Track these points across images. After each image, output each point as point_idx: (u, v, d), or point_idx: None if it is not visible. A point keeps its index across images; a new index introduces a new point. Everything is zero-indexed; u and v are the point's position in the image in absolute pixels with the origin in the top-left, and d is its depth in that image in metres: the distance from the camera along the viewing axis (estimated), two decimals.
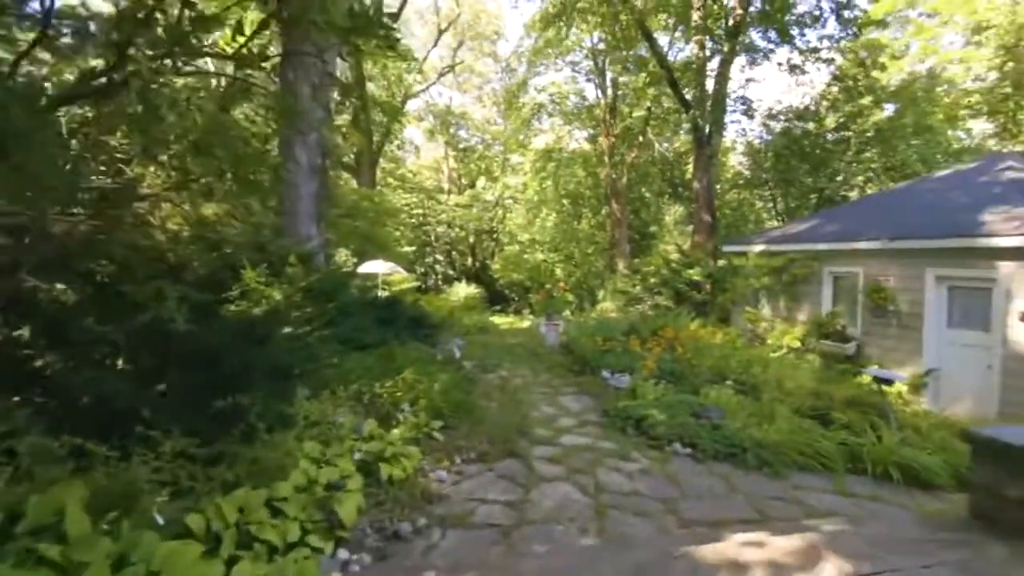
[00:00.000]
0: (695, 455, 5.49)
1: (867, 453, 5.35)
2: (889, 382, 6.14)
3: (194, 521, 2.98)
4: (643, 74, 19.84)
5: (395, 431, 5.18)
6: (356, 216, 11.58)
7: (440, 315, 12.44)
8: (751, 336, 12.09)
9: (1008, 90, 19.80)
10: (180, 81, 4.19)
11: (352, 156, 23.03)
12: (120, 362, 3.98)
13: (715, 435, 5.69)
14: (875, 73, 16.39)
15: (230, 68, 4.55)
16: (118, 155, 4.49)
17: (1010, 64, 19.36)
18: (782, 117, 18.07)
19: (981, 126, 22.62)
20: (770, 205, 23.23)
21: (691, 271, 15.85)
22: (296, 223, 9.21)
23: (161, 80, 3.86)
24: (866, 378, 9.23)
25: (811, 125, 17.12)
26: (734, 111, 17.23)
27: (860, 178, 16.90)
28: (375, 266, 18.62)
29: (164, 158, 4.29)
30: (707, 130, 18.29)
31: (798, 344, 10.75)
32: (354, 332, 8.90)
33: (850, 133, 16.75)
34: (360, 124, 21.80)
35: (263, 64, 4.44)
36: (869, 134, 16.23)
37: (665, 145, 29.84)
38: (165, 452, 3.27)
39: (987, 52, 19.59)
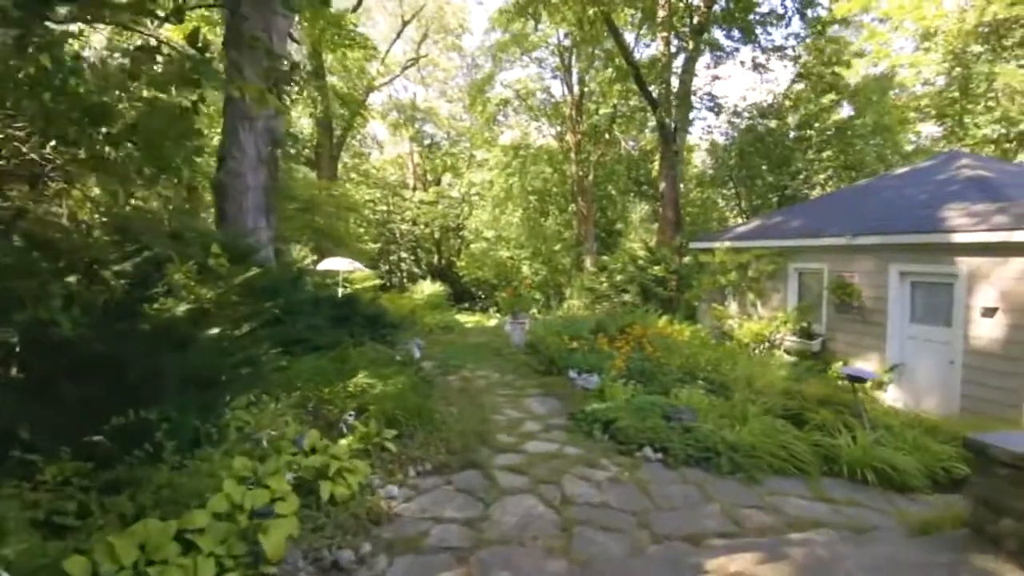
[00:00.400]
0: (666, 460, 5.16)
1: (843, 455, 5.12)
2: (862, 380, 5.96)
3: (75, 566, 2.44)
4: (609, 69, 19.57)
5: (342, 442, 4.68)
6: (313, 210, 10.89)
7: (400, 314, 11.89)
8: (718, 333, 11.96)
9: (955, 94, 20.43)
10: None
11: (311, 148, 22.14)
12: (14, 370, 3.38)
13: (687, 438, 5.38)
14: (839, 69, 16.58)
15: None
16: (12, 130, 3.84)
17: (957, 69, 19.97)
18: (747, 114, 18.16)
19: (929, 129, 23.36)
20: (733, 204, 23.41)
21: (657, 268, 15.71)
22: (242, 215, 8.53)
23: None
24: (834, 374, 9.18)
25: (774, 123, 17.22)
26: (700, 108, 17.22)
27: (821, 176, 17.10)
28: (336, 263, 17.86)
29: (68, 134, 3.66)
30: (673, 127, 18.22)
31: (765, 341, 10.64)
32: (307, 332, 8.32)
33: (812, 132, 16.93)
34: (319, 116, 20.94)
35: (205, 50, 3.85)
36: (829, 132, 16.42)
37: (632, 144, 29.90)
38: (46, 480, 2.71)
39: (936, 57, 20.15)
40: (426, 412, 5.55)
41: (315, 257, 18.59)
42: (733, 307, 12.11)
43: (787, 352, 10.39)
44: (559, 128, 26.81)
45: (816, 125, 16.68)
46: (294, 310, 7.33)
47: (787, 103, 16.87)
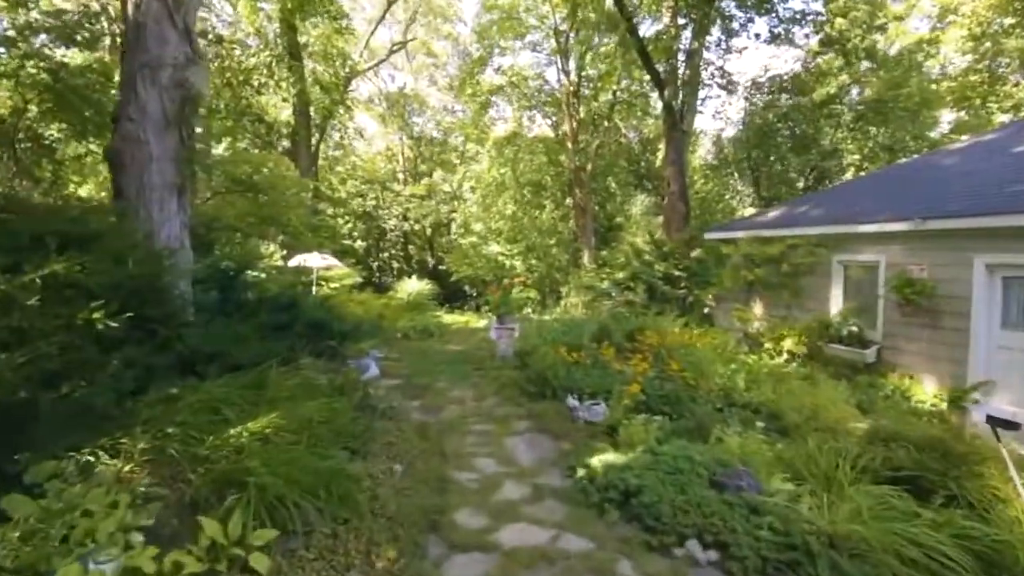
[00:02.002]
0: (727, 567, 3.10)
1: (1020, 556, 3.07)
2: (1015, 426, 3.87)
3: None
4: (609, 40, 17.34)
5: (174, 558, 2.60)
6: (259, 191, 8.78)
7: (366, 317, 9.81)
8: (742, 339, 9.90)
9: (979, 76, 18.35)
10: None
11: (287, 136, 19.99)
12: None
13: (756, 526, 3.31)
14: (875, 36, 14.50)
15: None
16: None
17: (986, 44, 17.88)
18: (767, 88, 16.01)
19: (945, 117, 21.29)
20: (746, 194, 21.31)
21: (665, 264, 13.63)
22: (144, 194, 6.42)
23: None
24: (898, 390, 7.12)
25: (800, 99, 15.04)
26: (711, 86, 15.15)
27: (855, 156, 15.00)
28: (309, 260, 15.80)
29: None
30: (680, 108, 16.13)
31: (802, 349, 8.57)
32: (222, 345, 6.23)
33: (842, 106, 14.78)
34: (294, 100, 18.78)
35: None
36: (861, 107, 14.29)
37: (632, 135, 27.80)
38: None
39: (959, 33, 18.04)
40: (341, 484, 3.45)
41: (284, 252, 16.55)
42: (759, 308, 10.04)
43: (829, 363, 8.33)
44: (554, 117, 24.70)
45: (847, 99, 14.56)
46: (173, 319, 5.21)
47: (812, 75, 14.75)
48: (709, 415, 5.24)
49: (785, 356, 8.76)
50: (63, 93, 7.75)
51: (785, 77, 15.46)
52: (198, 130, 7.93)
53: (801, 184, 16.43)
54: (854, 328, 8.21)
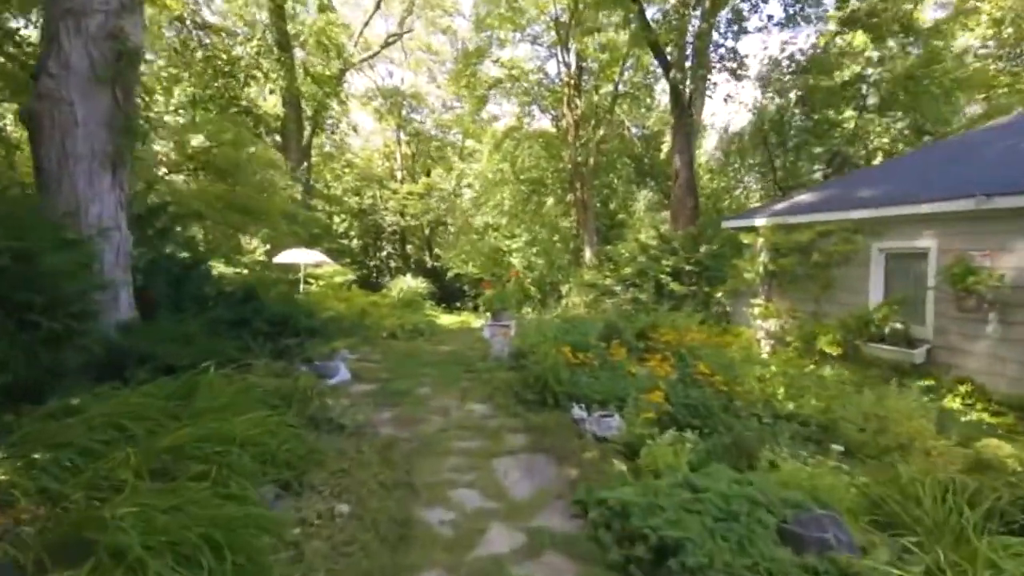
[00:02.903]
0: None
1: None
2: None
3: None
4: (615, 22, 16.14)
5: None
6: (218, 169, 7.54)
7: (347, 315, 8.69)
8: (764, 337, 8.78)
9: (996, 65, 17.16)
10: None
11: (276, 130, 18.92)
12: None
13: None
14: (907, 6, 13.27)
15: None
16: None
17: (1008, 31, 16.73)
18: (785, 68, 14.74)
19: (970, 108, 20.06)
20: (751, 189, 20.17)
21: (675, 258, 12.50)
22: (68, 165, 5.33)
23: None
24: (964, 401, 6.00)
25: (821, 80, 13.78)
26: (720, 70, 14.02)
27: (884, 139, 13.81)
28: (295, 255, 14.69)
29: None
30: (688, 94, 15.03)
31: (837, 350, 7.44)
32: (159, 345, 5.16)
33: (869, 85, 13.49)
34: (282, 91, 17.72)
35: None
36: (887, 84, 13.02)
37: (635, 130, 26.67)
38: None
39: (983, 14, 16.85)
40: (248, 540, 2.32)
41: (267, 247, 15.47)
42: (784, 303, 8.90)
43: (868, 364, 7.21)
44: (554, 111, 23.60)
45: (874, 78, 13.35)
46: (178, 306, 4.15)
47: (834, 55, 13.56)
48: (751, 430, 4.11)
49: (816, 357, 7.64)
50: None
51: (804, 53, 14.17)
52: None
53: (819, 174, 15.24)
54: (898, 325, 7.07)
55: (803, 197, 9.78)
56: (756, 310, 8.77)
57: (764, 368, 5.76)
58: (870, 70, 13.27)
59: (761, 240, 8.98)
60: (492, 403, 5.47)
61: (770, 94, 15.14)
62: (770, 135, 15.66)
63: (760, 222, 9.12)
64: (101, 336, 5.14)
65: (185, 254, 7.09)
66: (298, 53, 19.04)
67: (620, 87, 22.27)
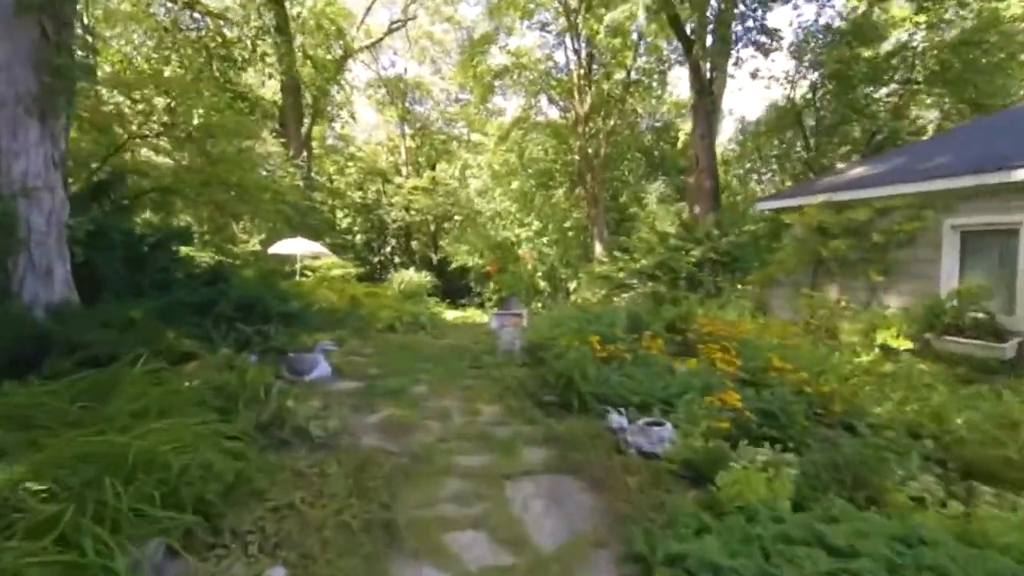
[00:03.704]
0: None
1: None
2: None
3: None
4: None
5: None
6: (187, 134, 6.33)
7: (338, 305, 7.62)
8: (809, 330, 7.64)
9: None
10: None
11: (275, 117, 17.92)
12: None
13: None
14: None
15: None
16: None
17: None
18: (821, 35, 13.46)
19: None
20: (769, 178, 18.96)
21: (700, 247, 11.37)
22: None
23: None
24: None
25: (862, 51, 12.49)
26: (745, 44, 12.88)
27: (934, 114, 12.57)
28: (292, 246, 13.69)
29: None
30: (709, 74, 13.90)
31: (904, 343, 6.30)
32: (96, 331, 4.13)
33: (914, 55, 12.24)
34: (281, 77, 16.70)
35: None
36: (933, 58, 11.79)
37: (646, 122, 25.50)
38: None
39: None
40: None
41: (261, 236, 14.46)
42: (832, 291, 7.77)
43: (939, 359, 6.07)
44: (563, 101, 22.48)
45: (922, 47, 12.08)
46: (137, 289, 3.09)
47: (876, 23, 12.33)
48: (849, 445, 3.00)
49: (876, 352, 6.50)
50: None
51: (844, 18, 12.84)
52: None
53: (856, 157, 13.97)
54: (981, 315, 5.93)
55: (857, 170, 8.63)
56: (801, 300, 7.63)
57: (838, 363, 4.64)
58: (918, 38, 12.01)
59: (806, 221, 7.84)
60: (503, 405, 4.38)
61: (805, 66, 13.87)
62: (805, 112, 14.40)
63: (804, 201, 7.98)
64: (18, 317, 4.11)
65: (143, 230, 6.04)
66: (298, 39, 18.06)
67: (632, 74, 21.18)
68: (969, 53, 11.37)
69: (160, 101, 6.18)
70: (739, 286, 10.68)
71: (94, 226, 5.04)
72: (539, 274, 16.24)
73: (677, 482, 2.92)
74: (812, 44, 12.67)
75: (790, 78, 14.61)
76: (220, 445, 2.52)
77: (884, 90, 13.03)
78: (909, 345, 6.27)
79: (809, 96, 14.29)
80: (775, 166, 22.23)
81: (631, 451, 3.28)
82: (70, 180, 6.53)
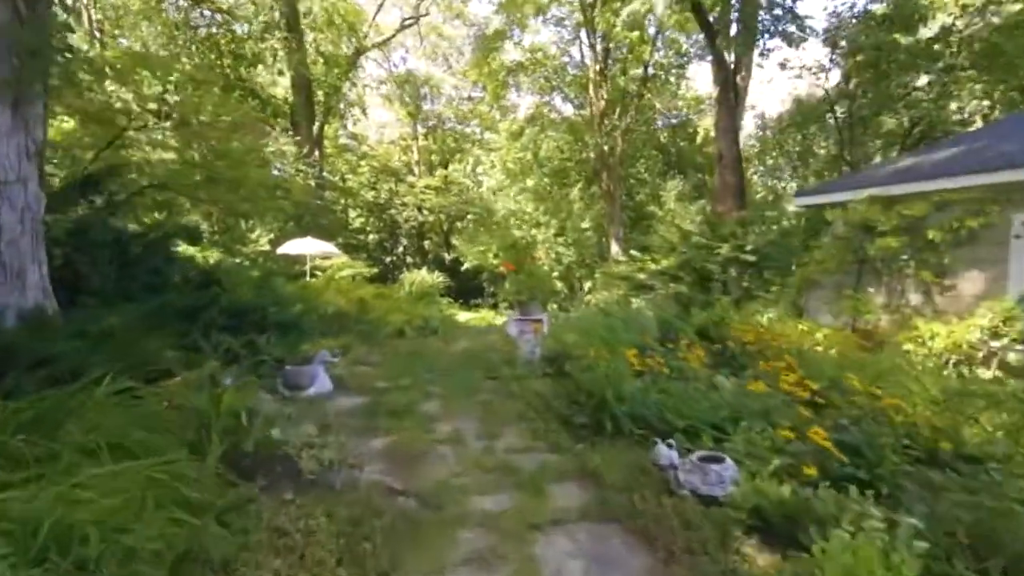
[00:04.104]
0: None
1: None
2: None
3: None
4: None
5: None
6: (175, 123, 5.73)
7: (344, 307, 7.11)
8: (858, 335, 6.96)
9: None
10: None
11: (286, 115, 17.54)
12: None
13: None
14: None
15: None
16: None
17: None
18: (856, 22, 12.58)
19: None
20: (792, 175, 18.15)
21: (726, 246, 10.69)
22: None
23: None
24: None
25: (900, 37, 11.66)
26: (771, 35, 12.16)
27: (978, 102, 11.70)
28: (301, 246, 13.27)
29: None
30: (733, 65, 13.20)
31: (969, 351, 5.62)
32: (70, 342, 3.66)
33: (959, 40, 11.38)
34: (291, 72, 16.30)
35: None
36: (979, 43, 10.93)
37: (662, 121, 24.73)
38: None
39: None
40: None
41: (270, 236, 14.06)
42: (879, 294, 7.09)
43: (1004, 371, 5.38)
44: (579, 98, 21.83)
45: (968, 30, 11.22)
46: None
47: (920, 4, 11.46)
48: (979, 497, 2.38)
49: (940, 359, 5.82)
50: None
51: (884, 3, 11.97)
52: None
53: (892, 146, 13.17)
54: None
55: (907, 162, 7.92)
56: (850, 302, 6.95)
57: (921, 378, 4.00)
58: (960, 23, 11.16)
59: (849, 217, 7.16)
60: (525, 427, 3.81)
61: (839, 54, 13.01)
62: (839, 103, 13.55)
63: (847, 196, 7.30)
64: None
65: (138, 229, 5.57)
66: (309, 36, 17.65)
67: (649, 69, 20.47)
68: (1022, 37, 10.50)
69: (157, 88, 5.70)
70: (772, 288, 10.00)
71: (75, 224, 4.55)
72: (555, 274, 15.65)
73: (750, 535, 2.33)
74: (847, 30, 11.84)
75: (823, 67, 13.77)
76: (178, 496, 1.99)
77: (924, 78, 12.18)
78: (979, 353, 5.59)
79: (843, 86, 13.46)
80: (797, 162, 21.42)
81: (684, 491, 2.70)
82: (60, 174, 6.10)
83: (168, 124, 5.62)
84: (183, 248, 11.02)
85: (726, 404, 3.64)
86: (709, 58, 20.85)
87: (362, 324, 6.97)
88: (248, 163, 6.48)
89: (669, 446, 2.85)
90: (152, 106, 5.54)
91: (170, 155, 6.61)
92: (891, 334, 6.51)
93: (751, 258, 10.54)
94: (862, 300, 6.95)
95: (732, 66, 13.17)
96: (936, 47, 11.50)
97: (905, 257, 6.59)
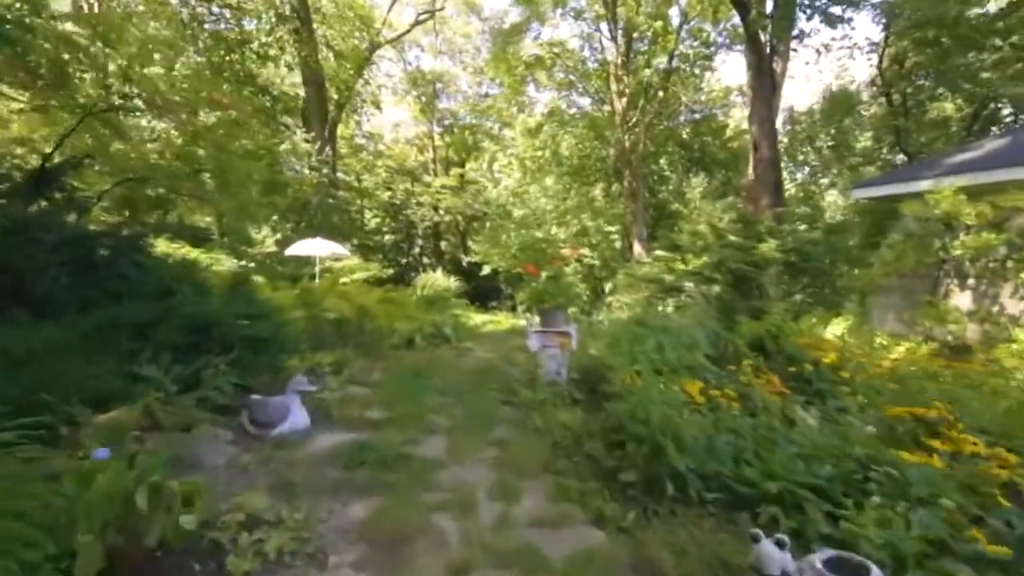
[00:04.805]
0: None
1: None
2: None
3: None
4: None
5: None
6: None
7: (345, 315, 6.23)
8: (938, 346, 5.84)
9: None
10: None
11: (297, 110, 16.84)
12: None
13: None
14: None
15: None
16: None
17: None
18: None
19: None
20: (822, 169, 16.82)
21: (765, 245, 9.56)
22: None
23: None
24: None
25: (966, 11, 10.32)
26: (811, 14, 11.01)
27: None
28: (309, 247, 12.48)
29: None
30: (769, 46, 12.05)
31: None
32: None
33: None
34: (300, 65, 15.57)
35: None
36: None
37: (684, 116, 23.46)
38: None
39: None
40: None
41: (277, 237, 13.34)
42: (962, 300, 5.96)
43: None
44: (600, 93, 20.74)
45: None
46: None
47: None
48: None
49: None
50: None
51: None
52: None
53: (951, 138, 11.83)
54: None
55: (996, 144, 6.76)
56: (931, 310, 5.84)
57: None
58: None
59: (924, 211, 6.04)
60: (553, 483, 2.86)
61: (894, 33, 11.60)
62: (896, 85, 12.21)
63: (922, 186, 6.17)
64: None
65: (92, 226, 4.76)
66: (320, 30, 16.93)
67: (674, 61, 19.30)
68: None
69: (122, 63, 4.85)
70: (820, 290, 8.91)
71: (12, 222, 3.73)
72: (578, 277, 14.65)
73: None
74: (904, 5, 10.54)
75: (874, 45, 12.41)
76: None
77: (990, 57, 10.84)
78: None
79: (895, 68, 12.16)
80: (831, 156, 20.07)
81: None
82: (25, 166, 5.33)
83: (138, 106, 4.78)
84: (183, 249, 10.35)
85: (825, 452, 2.65)
86: (739, 47, 19.74)
87: (364, 334, 6.09)
88: (233, 149, 5.57)
89: (780, 545, 1.86)
90: (114, 83, 4.68)
91: (153, 146, 5.78)
92: (983, 347, 5.39)
93: (793, 259, 9.41)
94: (943, 307, 5.83)
95: (769, 50, 12.02)
96: (1004, 23, 10.10)
97: (1001, 256, 5.46)
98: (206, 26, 14.10)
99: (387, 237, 26.29)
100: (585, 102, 21.73)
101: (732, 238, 10.75)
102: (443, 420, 3.87)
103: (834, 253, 9.61)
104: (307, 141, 14.90)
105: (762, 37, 11.72)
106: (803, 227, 10.21)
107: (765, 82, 11.99)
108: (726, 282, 10.55)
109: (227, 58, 14.39)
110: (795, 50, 12.58)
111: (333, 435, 3.38)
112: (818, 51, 12.45)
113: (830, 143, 19.86)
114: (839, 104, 15.51)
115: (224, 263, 11.08)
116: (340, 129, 21.62)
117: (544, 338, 4.82)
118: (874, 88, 12.79)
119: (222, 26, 14.15)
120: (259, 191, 7.46)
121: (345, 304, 7.04)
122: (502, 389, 4.72)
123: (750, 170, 12.85)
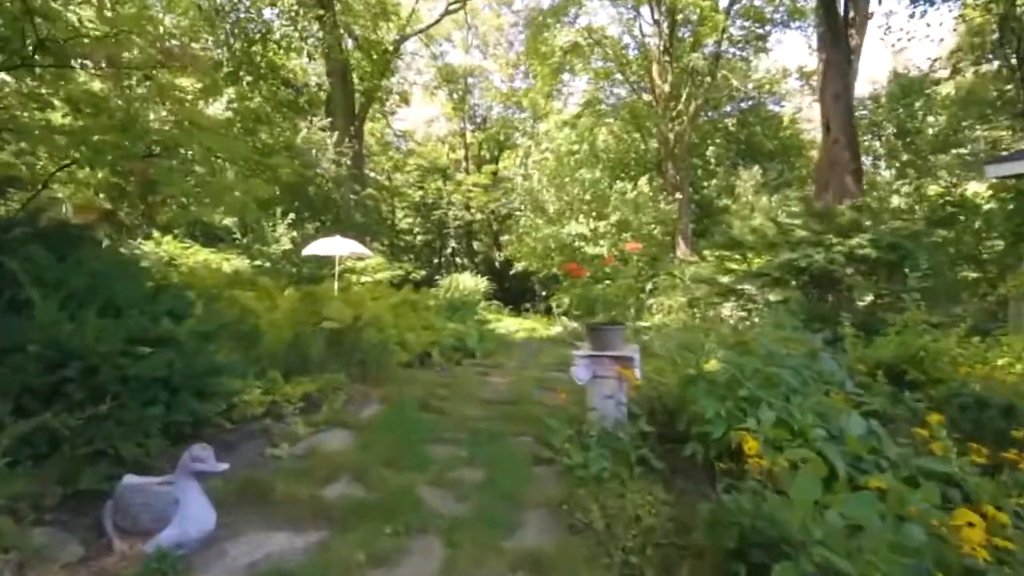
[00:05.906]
0: None
1: None
2: None
3: None
4: None
5: None
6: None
7: (344, 324, 4.89)
8: None
9: None
10: None
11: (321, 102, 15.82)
12: None
13: None
14: None
15: None
16: None
17: None
18: None
19: None
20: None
21: (859, 239, 7.75)
22: None
23: None
24: None
25: None
26: None
27: None
28: (329, 246, 11.31)
29: None
30: (844, 13, 10.20)
31: None
32: None
33: None
34: (323, 55, 14.51)
35: None
36: None
37: (732, 105, 21.39)
38: None
39: None
40: None
41: (293, 235, 12.24)
42: None
43: None
44: (639, 82, 18.96)
45: None
46: None
47: None
48: None
49: None
50: None
51: None
52: None
53: None
54: None
55: None
56: None
57: None
58: None
59: None
60: None
61: None
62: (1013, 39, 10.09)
63: None
64: None
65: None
66: (345, 20, 15.87)
67: (723, 44, 17.38)
68: None
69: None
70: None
71: None
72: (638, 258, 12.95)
73: None
74: None
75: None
76: None
77: None
78: None
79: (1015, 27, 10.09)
80: (897, 143, 17.84)
81: None
82: None
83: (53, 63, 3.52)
84: (191, 249, 9.28)
85: None
86: (796, 24, 17.65)
87: (363, 351, 4.75)
88: (204, 123, 4.27)
89: None
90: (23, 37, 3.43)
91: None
92: None
93: (883, 256, 7.57)
94: None
95: (844, 16, 10.16)
96: None
97: None
98: (228, 17, 13.22)
99: (419, 237, 25.21)
100: (623, 92, 20.06)
101: (802, 233, 8.97)
102: (445, 502, 2.45)
103: (939, 249, 7.75)
104: (323, 130, 13.78)
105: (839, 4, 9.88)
106: (897, 222, 8.36)
107: (840, 54, 10.12)
108: (799, 284, 8.83)
109: (251, 49, 13.47)
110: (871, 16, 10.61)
111: (256, 542, 1.99)
112: (910, 16, 10.41)
113: (893, 131, 17.62)
114: (906, 85, 13.38)
115: (235, 264, 10.09)
116: (369, 126, 20.64)
117: (596, 365, 3.32)
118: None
119: (241, 15, 13.22)
120: (245, 174, 6.18)
121: (348, 311, 5.73)
122: (537, 434, 3.28)
123: (819, 155, 10.98)
